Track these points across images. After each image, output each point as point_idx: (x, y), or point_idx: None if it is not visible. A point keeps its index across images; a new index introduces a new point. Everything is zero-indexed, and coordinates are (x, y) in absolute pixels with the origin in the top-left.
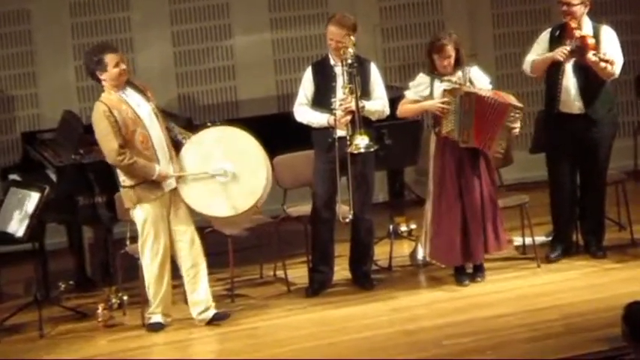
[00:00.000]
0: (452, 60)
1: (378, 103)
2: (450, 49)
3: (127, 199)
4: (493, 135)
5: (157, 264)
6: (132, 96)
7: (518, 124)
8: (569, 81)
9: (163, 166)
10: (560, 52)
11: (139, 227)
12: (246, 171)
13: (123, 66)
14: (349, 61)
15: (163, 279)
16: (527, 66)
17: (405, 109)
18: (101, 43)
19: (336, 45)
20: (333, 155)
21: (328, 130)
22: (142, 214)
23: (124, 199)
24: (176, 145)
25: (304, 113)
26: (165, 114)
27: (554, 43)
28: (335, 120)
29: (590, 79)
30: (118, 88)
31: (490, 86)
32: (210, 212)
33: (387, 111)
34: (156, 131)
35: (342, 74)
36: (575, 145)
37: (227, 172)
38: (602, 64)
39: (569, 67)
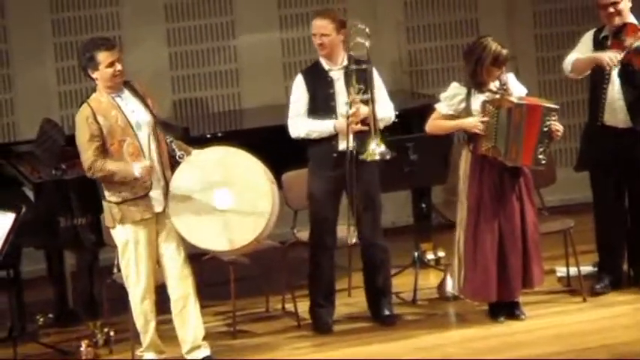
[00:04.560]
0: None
1: (386, 110)
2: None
3: (109, 216)
4: (533, 145)
5: (139, 293)
6: (128, 100)
7: (559, 127)
8: (615, 89)
9: (156, 183)
10: (609, 58)
11: (119, 249)
12: (248, 202)
13: (118, 67)
14: (363, 57)
15: (146, 310)
16: (567, 64)
17: (436, 125)
18: (96, 38)
19: (320, 40)
20: (336, 173)
21: (330, 143)
22: (123, 235)
23: (105, 215)
24: (174, 164)
25: (302, 124)
26: (164, 126)
27: (599, 46)
28: (347, 125)
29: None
30: (113, 90)
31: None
32: (202, 244)
33: (393, 117)
34: (149, 144)
35: (352, 74)
36: (620, 164)
37: (225, 201)
38: None
39: (615, 73)
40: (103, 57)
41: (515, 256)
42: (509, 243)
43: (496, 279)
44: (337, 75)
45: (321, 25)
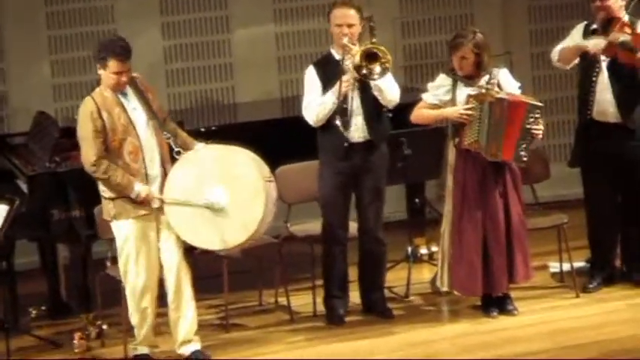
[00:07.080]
0: (469, 62)
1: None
2: (467, 51)
3: (106, 211)
4: (515, 141)
5: (138, 289)
6: (130, 98)
7: (540, 126)
8: (605, 83)
9: (152, 183)
10: (594, 44)
11: (117, 244)
12: (241, 201)
13: (123, 78)
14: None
15: (145, 306)
16: (554, 54)
17: (420, 114)
18: (115, 42)
19: (349, 30)
20: (348, 164)
21: (342, 134)
22: (122, 230)
23: (103, 209)
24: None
25: (314, 107)
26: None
27: (588, 38)
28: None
29: (629, 82)
30: (114, 89)
31: (519, 92)
32: (197, 243)
33: (398, 98)
34: (149, 142)
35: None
36: (611, 160)
37: (218, 202)
38: None
39: (604, 66)
40: (113, 65)
41: (498, 252)
42: (492, 238)
43: (481, 273)
44: (349, 65)
45: (350, 15)
